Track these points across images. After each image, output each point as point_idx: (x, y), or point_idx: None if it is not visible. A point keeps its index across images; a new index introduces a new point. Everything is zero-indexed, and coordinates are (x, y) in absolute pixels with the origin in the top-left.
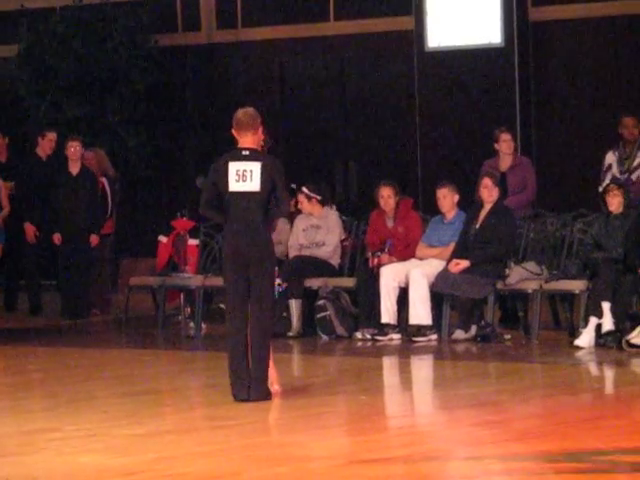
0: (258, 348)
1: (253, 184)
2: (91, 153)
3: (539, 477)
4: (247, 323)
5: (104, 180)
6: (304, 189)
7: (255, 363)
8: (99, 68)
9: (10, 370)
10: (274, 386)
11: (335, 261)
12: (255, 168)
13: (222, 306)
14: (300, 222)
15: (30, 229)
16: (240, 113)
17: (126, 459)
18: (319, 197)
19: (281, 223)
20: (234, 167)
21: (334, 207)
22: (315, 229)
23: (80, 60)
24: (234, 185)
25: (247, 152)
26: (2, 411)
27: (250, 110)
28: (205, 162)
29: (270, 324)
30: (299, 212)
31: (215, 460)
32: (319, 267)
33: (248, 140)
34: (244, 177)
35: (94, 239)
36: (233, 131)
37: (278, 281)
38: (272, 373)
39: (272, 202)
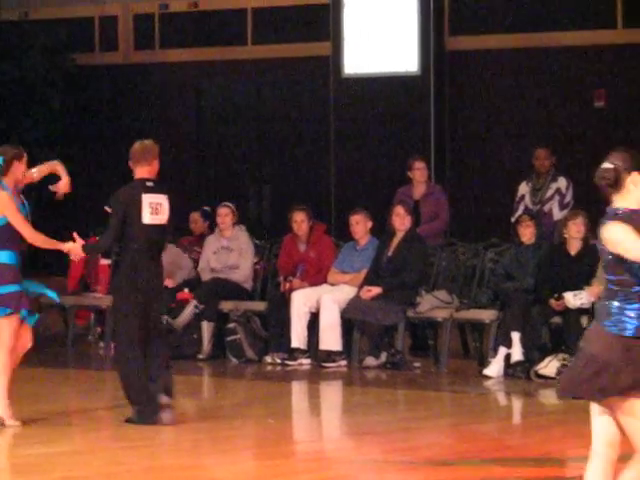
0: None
1: (163, 217)
2: None
3: None
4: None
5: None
6: (228, 204)
7: None
8: (15, 86)
9: None
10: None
11: (248, 284)
12: (164, 201)
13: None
14: (210, 244)
15: None
16: (136, 145)
17: (32, 478)
18: (236, 215)
19: (174, 249)
20: (147, 199)
21: (243, 227)
22: (227, 251)
23: None
24: (148, 218)
25: (152, 184)
26: None
27: (147, 142)
28: (120, 182)
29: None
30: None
31: None
32: (233, 290)
33: (145, 171)
34: (157, 210)
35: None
36: (130, 163)
37: (195, 302)
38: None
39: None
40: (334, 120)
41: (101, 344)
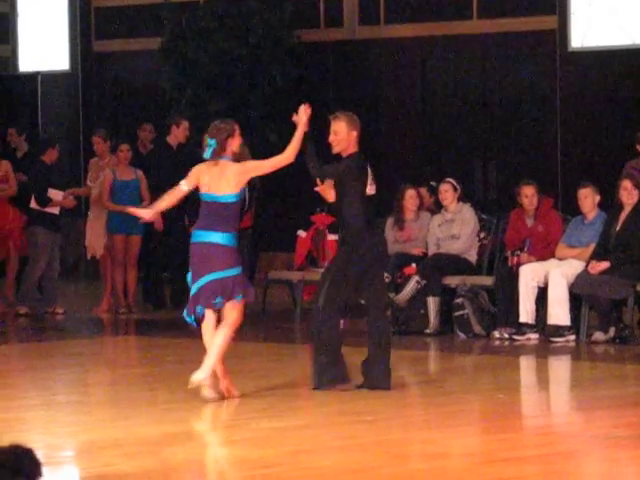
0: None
1: (374, 187)
2: None
3: None
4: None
5: None
6: (450, 180)
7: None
8: (241, 63)
9: (147, 361)
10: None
11: (472, 257)
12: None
13: (362, 302)
14: (435, 219)
15: (159, 221)
16: (356, 117)
17: (264, 452)
18: (460, 191)
19: (426, 218)
20: (369, 171)
21: (468, 204)
22: (450, 223)
23: (222, 54)
24: (369, 189)
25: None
26: (138, 402)
27: None
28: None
29: None
30: (437, 211)
31: (352, 455)
32: (457, 264)
33: None
34: (372, 181)
35: None
36: (356, 135)
37: (417, 277)
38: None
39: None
40: (560, 94)
41: None
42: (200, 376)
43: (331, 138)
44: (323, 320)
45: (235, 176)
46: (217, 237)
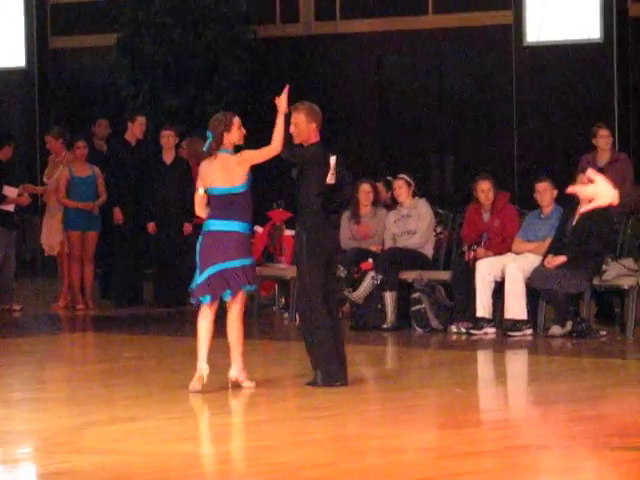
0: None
1: (333, 177)
2: (184, 143)
3: (636, 473)
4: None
5: None
6: (403, 175)
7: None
8: (197, 58)
9: (105, 357)
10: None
11: (428, 251)
12: (333, 162)
13: None
14: (391, 215)
15: (119, 213)
16: (318, 109)
17: (221, 448)
18: (414, 186)
19: (383, 214)
20: (332, 161)
21: (424, 198)
22: (406, 218)
23: (178, 50)
24: (329, 178)
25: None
26: (95, 398)
27: None
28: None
29: None
30: (394, 206)
31: (310, 450)
32: (414, 258)
33: None
34: (334, 172)
35: (187, 227)
36: (315, 126)
37: (372, 274)
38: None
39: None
40: (516, 89)
41: (286, 315)
42: (235, 372)
43: (291, 129)
44: (314, 320)
45: (236, 167)
46: (235, 226)
